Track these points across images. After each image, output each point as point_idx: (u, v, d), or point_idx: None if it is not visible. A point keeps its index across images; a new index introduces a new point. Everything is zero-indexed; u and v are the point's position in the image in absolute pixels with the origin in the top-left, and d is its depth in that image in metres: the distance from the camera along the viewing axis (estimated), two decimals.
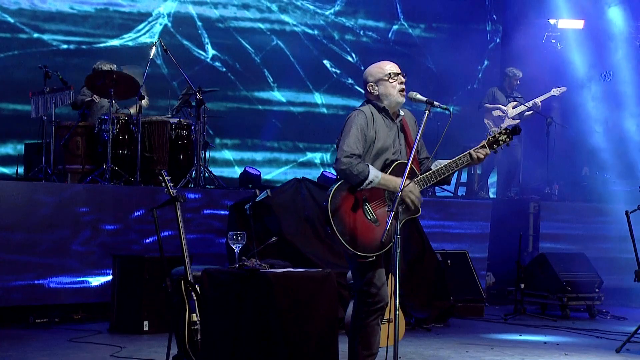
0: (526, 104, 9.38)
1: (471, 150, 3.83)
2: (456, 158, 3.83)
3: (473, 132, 9.48)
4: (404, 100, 3.83)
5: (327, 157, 10.77)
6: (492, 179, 10.31)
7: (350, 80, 10.92)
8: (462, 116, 10.45)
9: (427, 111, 3.67)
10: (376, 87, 3.84)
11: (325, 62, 10.79)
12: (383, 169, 3.81)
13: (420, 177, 3.75)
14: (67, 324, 6.23)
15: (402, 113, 3.93)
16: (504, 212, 8.90)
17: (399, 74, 3.84)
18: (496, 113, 9.47)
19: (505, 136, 3.87)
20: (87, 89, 7.65)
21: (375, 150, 3.80)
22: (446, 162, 3.84)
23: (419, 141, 3.68)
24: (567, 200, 9.64)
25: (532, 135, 9.90)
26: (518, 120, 9.38)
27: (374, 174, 3.70)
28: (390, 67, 3.87)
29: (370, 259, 3.72)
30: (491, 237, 8.45)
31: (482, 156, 3.78)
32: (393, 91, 3.82)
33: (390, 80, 3.81)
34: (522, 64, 9.97)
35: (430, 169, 3.82)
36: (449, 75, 10.78)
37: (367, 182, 3.69)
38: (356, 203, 3.72)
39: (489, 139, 3.85)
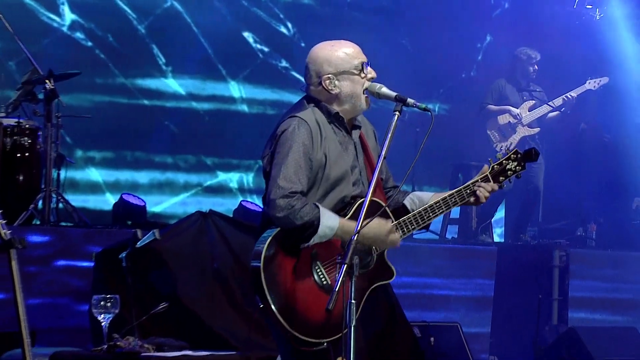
0: (550, 104, 9.70)
1: (469, 184, 3.99)
2: (446, 195, 3.98)
3: (470, 143, 9.80)
4: (369, 105, 4.01)
5: (248, 179, 11.01)
6: (499, 214, 10.62)
7: (283, 63, 11.19)
8: (453, 119, 10.93)
9: (396, 113, 3.76)
10: (337, 84, 3.97)
11: (246, 34, 11.07)
12: (340, 211, 3.91)
13: (396, 222, 3.90)
14: None
15: (358, 120, 4.07)
16: (515, 264, 9.07)
17: (367, 63, 4.00)
18: (504, 119, 9.75)
19: (515, 163, 4.05)
20: None
21: (326, 181, 3.92)
22: (428, 196, 4.00)
23: (383, 160, 3.71)
24: (609, 247, 9.85)
25: (557, 150, 10.28)
26: (536, 130, 9.69)
27: (328, 222, 3.79)
28: (359, 53, 4.01)
29: (319, 347, 3.84)
30: (496, 303, 8.61)
31: (486, 194, 3.97)
32: (361, 91, 3.98)
33: (362, 75, 3.96)
34: (543, 42, 10.26)
35: (406, 207, 3.99)
36: (432, 58, 11.11)
37: (318, 234, 3.79)
38: (302, 262, 3.82)
39: (492, 167, 4.03)
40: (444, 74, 11.73)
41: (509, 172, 4.06)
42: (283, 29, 11.27)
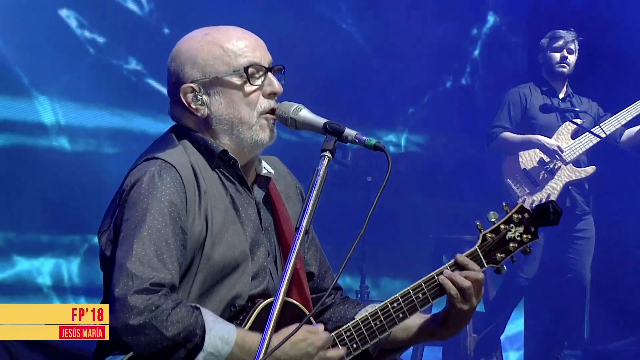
0: (604, 125, 8.27)
1: (442, 269, 3.47)
2: (407, 290, 3.43)
3: (462, 201, 9.35)
4: (274, 138, 3.42)
5: (71, 269, 9.06)
6: (516, 326, 9.44)
7: (133, 65, 9.24)
8: (433, 160, 10.04)
9: (325, 155, 3.16)
10: (206, 99, 3.37)
11: (65, 12, 8.99)
12: (233, 318, 3.34)
13: (334, 333, 3.47)
14: None
15: (265, 167, 3.52)
16: None
17: (268, 68, 3.38)
18: (532, 157, 8.42)
19: (521, 229, 3.47)
20: None
21: (206, 269, 3.30)
22: (379, 305, 3.45)
23: (304, 233, 3.10)
24: None
25: (619, 207, 9.00)
26: (591, 170, 8.34)
27: (220, 331, 3.22)
28: (254, 47, 3.41)
29: None
30: None
31: (466, 285, 3.36)
32: (253, 114, 3.37)
33: (252, 82, 3.35)
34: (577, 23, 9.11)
35: (355, 320, 3.45)
36: (395, 55, 10.02)
37: (204, 353, 3.19)
38: None
39: (483, 236, 3.45)
40: (416, 83, 10.08)
41: (511, 246, 3.43)
42: (131, 5, 9.17)
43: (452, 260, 3.47)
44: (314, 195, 3.13)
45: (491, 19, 10.69)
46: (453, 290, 3.40)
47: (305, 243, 3.52)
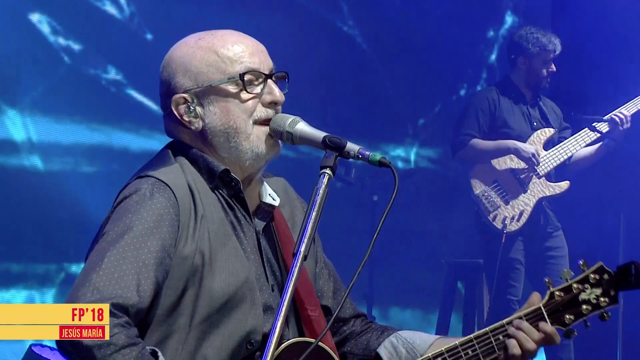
0: (597, 131, 8.19)
1: (504, 322, 3.28)
2: (461, 341, 3.29)
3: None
4: (278, 150, 3.32)
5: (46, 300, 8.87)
6: None
7: (112, 74, 8.95)
8: (445, 175, 9.84)
9: (325, 172, 3.11)
10: (199, 111, 3.29)
11: (36, 17, 8.63)
12: (250, 357, 3.25)
13: None
14: None
15: (270, 193, 3.41)
16: None
17: (268, 75, 3.28)
18: (504, 165, 8.19)
19: (599, 291, 3.28)
20: None
21: (212, 301, 3.17)
22: (426, 342, 3.38)
23: (301, 260, 3.02)
24: None
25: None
26: (564, 186, 8.12)
27: None
28: (251, 51, 3.32)
29: None
30: None
31: (531, 346, 3.22)
32: (249, 122, 3.27)
33: (249, 89, 3.25)
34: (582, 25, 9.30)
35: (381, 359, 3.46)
36: (403, 63, 9.83)
37: None
38: None
39: (550, 294, 3.30)
40: (426, 91, 9.94)
41: (584, 308, 3.25)
42: (110, 8, 8.76)
43: (523, 311, 3.36)
44: (312, 216, 3.06)
45: (509, 19, 10.51)
46: (519, 346, 3.29)
47: (315, 269, 3.39)
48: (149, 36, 8.79)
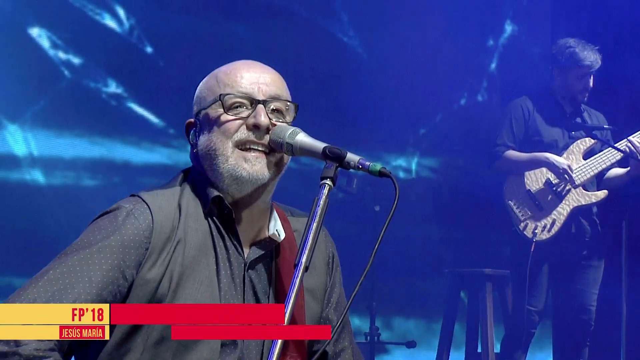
0: (621, 145, 7.98)
1: None
2: None
3: (482, 229, 9.21)
4: (263, 175, 3.24)
5: None
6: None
7: (112, 87, 9.08)
8: (448, 184, 9.94)
9: (325, 183, 3.08)
10: (200, 132, 3.33)
11: (36, 31, 8.82)
12: None
13: None
14: None
15: (278, 229, 3.35)
16: None
17: (260, 101, 3.26)
18: (539, 177, 8.06)
19: None
20: None
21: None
22: None
23: (302, 271, 2.97)
24: None
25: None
26: (602, 195, 7.99)
27: None
28: (250, 77, 3.32)
29: None
30: None
31: None
32: (228, 143, 3.23)
33: (233, 112, 3.25)
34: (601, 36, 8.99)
35: None
36: (404, 71, 9.73)
37: None
38: None
39: None
40: (427, 100, 9.83)
41: None
42: (110, 21, 8.83)
43: None
44: (313, 228, 3.02)
45: (509, 28, 10.55)
46: None
47: (320, 313, 3.31)
48: (148, 49, 8.90)
